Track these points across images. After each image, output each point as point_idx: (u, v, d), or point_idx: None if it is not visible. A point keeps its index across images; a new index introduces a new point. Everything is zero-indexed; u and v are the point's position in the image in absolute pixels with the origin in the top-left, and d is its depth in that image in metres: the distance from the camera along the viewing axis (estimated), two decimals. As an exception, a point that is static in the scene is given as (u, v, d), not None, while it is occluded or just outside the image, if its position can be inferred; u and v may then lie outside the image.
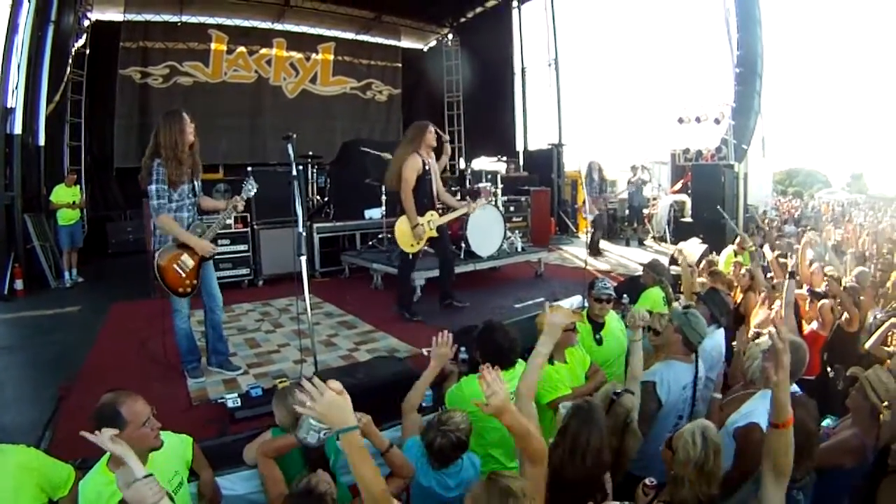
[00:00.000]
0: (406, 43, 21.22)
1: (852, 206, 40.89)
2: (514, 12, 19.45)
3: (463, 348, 5.18)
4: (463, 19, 20.49)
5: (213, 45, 16.85)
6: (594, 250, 13.25)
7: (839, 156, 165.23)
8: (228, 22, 17.27)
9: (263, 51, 17.78)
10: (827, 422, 4.38)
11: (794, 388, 3.84)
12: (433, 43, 21.72)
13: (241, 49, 17.34)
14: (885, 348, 6.05)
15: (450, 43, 20.99)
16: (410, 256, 7.66)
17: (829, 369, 6.48)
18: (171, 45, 16.25)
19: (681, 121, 16.56)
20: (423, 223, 7.38)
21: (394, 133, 19.95)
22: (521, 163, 19.49)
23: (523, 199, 14.37)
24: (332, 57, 19.13)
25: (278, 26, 18.23)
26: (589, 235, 13.72)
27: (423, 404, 4.76)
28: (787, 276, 6.39)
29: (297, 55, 18.48)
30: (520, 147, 19.82)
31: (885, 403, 3.86)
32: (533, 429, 2.84)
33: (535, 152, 19.05)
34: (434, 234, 7.65)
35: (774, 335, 2.88)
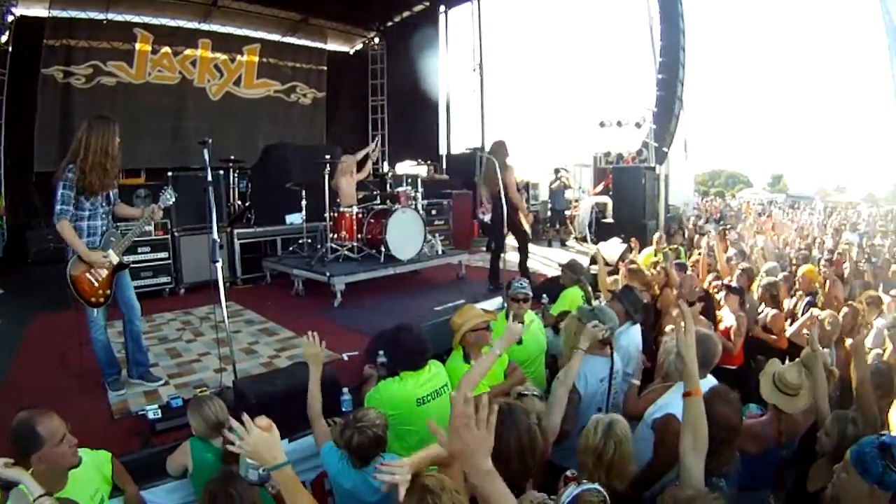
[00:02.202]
0: (332, 46, 21.01)
1: (772, 204, 42.27)
2: (441, 17, 19.53)
3: (381, 352, 5.27)
4: (390, 23, 20.47)
5: (137, 45, 16.36)
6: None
7: (760, 157, 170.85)
8: (154, 21, 16.77)
9: (188, 51, 17.37)
10: (746, 411, 4.59)
11: (712, 378, 4.15)
12: (359, 46, 21.59)
13: (166, 49, 16.89)
14: (805, 334, 6.26)
15: (376, 46, 20.93)
16: None
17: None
18: (95, 43, 15.73)
19: (602, 125, 16.71)
20: None
21: (317, 137, 19.88)
22: (444, 166, 19.55)
23: (445, 202, 14.56)
24: (257, 59, 18.80)
25: (204, 26, 17.79)
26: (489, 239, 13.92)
27: (344, 409, 4.88)
28: (683, 270, 6.69)
29: (222, 56, 18.10)
30: (443, 151, 19.93)
31: (794, 394, 4.15)
32: None
33: (458, 156, 19.07)
34: None
35: (678, 316, 3.20)
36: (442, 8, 19.43)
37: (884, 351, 5.95)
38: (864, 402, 4.17)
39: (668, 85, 15.43)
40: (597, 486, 2.74)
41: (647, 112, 15.67)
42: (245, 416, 2.41)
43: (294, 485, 2.44)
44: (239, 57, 18.50)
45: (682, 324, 3.18)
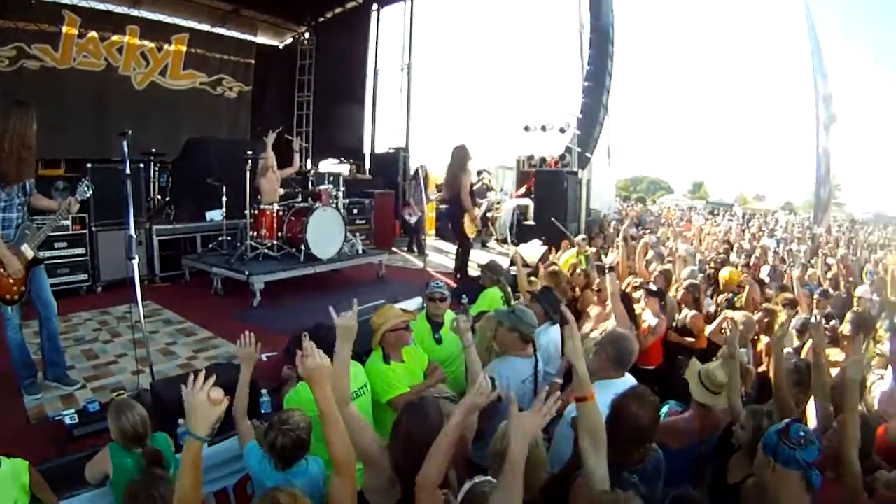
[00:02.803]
0: (262, 39, 20.54)
1: (692, 210, 43.32)
2: (373, 15, 19.44)
3: (300, 353, 5.23)
4: (322, 18, 20.17)
5: (64, 28, 15.51)
6: (421, 251, 13.62)
7: (682, 165, 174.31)
8: (84, 3, 15.93)
9: (115, 37, 16.52)
10: (666, 408, 4.74)
11: (630, 377, 4.29)
12: (289, 40, 21.17)
13: (93, 34, 16.04)
14: (722, 335, 6.51)
15: (306, 41, 20.46)
16: None
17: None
18: (21, 24, 14.82)
19: (527, 129, 16.97)
20: None
21: (241, 131, 19.43)
22: (368, 165, 19.55)
23: (367, 201, 14.55)
24: (184, 49, 18.08)
25: (134, 12, 16.98)
26: (418, 239, 14.24)
27: (263, 411, 4.83)
28: (606, 271, 6.87)
29: (149, 44, 17.31)
30: (367, 150, 19.84)
31: (718, 392, 4.33)
32: (337, 436, 2.92)
33: (381, 155, 19.10)
34: None
35: (567, 328, 3.22)
36: (375, 6, 19.34)
37: (801, 348, 6.28)
38: (781, 397, 4.38)
39: (594, 92, 15.70)
40: (489, 478, 2.85)
41: (572, 118, 16.01)
42: (203, 375, 2.52)
43: (193, 461, 2.48)
44: (166, 46, 17.78)
45: (569, 331, 3.23)
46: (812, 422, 4.26)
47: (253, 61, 19.97)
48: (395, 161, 18.13)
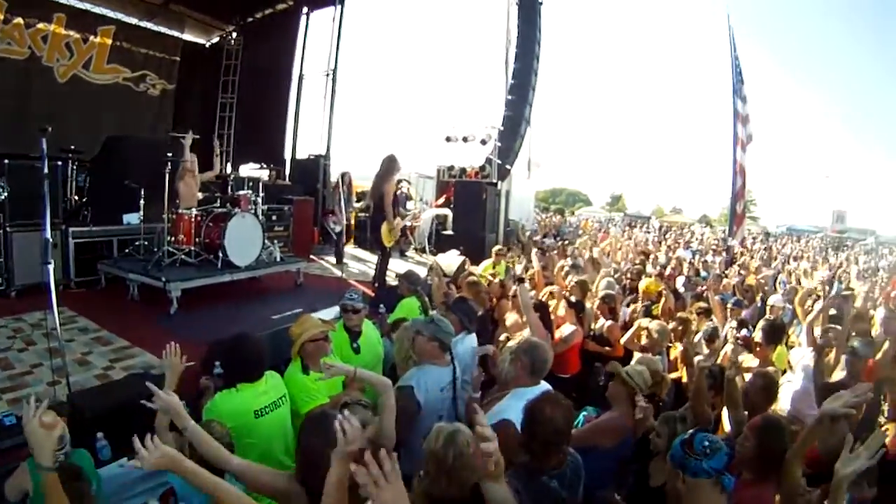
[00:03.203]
0: (189, 36, 19.97)
1: (610, 222, 44.17)
2: (303, 19, 19.30)
3: (217, 363, 5.05)
4: (250, 19, 19.89)
5: None
6: (339, 260, 13.62)
7: (601, 178, 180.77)
8: None
9: (41, 25, 15.83)
10: (583, 413, 4.86)
11: (546, 385, 4.33)
12: (216, 39, 20.75)
13: (19, 20, 15.34)
14: (638, 342, 6.75)
15: (233, 41, 20.14)
16: None
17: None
18: None
19: (448, 139, 17.03)
20: None
21: (162, 131, 18.38)
22: (288, 171, 19.26)
23: (286, 208, 14.31)
24: (110, 41, 17.39)
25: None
26: (337, 247, 14.15)
27: None
28: (517, 281, 7.03)
29: (75, 35, 16.61)
30: (288, 155, 19.59)
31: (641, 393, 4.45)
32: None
33: (302, 161, 18.88)
34: None
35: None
36: (305, 9, 19.22)
37: (715, 355, 6.48)
38: (696, 402, 4.52)
39: (517, 105, 15.99)
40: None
41: (494, 130, 16.18)
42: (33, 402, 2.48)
43: (53, 493, 2.48)
44: (92, 37, 17.06)
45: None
46: (728, 425, 4.51)
47: (178, 59, 19.47)
48: (316, 168, 17.96)
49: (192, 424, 3.24)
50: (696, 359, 5.43)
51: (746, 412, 4.36)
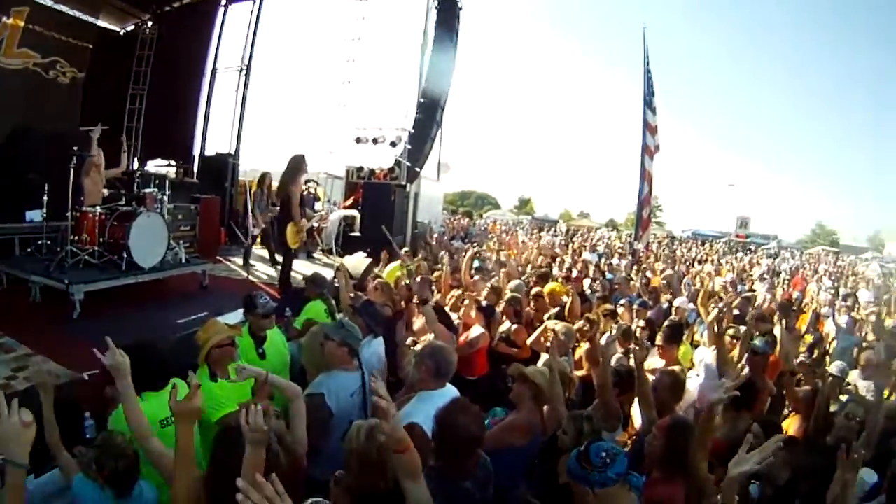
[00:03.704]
0: (104, 22, 18.61)
1: (518, 225, 44.63)
2: (220, 11, 18.76)
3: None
4: (168, 7, 18.90)
5: None
6: (246, 261, 13.36)
7: (510, 181, 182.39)
8: None
9: None
10: (491, 415, 4.91)
11: (452, 388, 4.38)
12: (131, 27, 19.54)
13: None
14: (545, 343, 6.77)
15: (148, 30, 18.96)
16: None
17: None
18: None
19: (359, 140, 16.96)
20: None
21: (70, 122, 16.68)
22: (196, 168, 18.52)
23: (193, 206, 13.77)
24: (23, 24, 16.01)
25: None
26: (245, 249, 13.80)
27: (88, 436, 4.64)
28: (421, 302, 7.09)
29: None
30: (197, 152, 18.80)
31: (542, 388, 4.49)
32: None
33: (210, 158, 18.37)
34: None
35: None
36: (223, 1, 18.73)
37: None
38: (605, 400, 4.66)
39: (429, 109, 16.03)
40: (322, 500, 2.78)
41: (404, 132, 16.19)
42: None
43: (16, 492, 2.39)
44: (5, 19, 15.47)
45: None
46: (638, 422, 4.69)
47: (90, 46, 17.94)
48: (224, 166, 17.59)
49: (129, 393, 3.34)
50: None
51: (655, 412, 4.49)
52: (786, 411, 6.24)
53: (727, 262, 24.79)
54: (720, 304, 8.23)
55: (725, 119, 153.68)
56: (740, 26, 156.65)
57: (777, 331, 8.10)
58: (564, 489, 3.37)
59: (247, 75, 18.40)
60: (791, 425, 5.56)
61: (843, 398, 6.30)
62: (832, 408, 5.65)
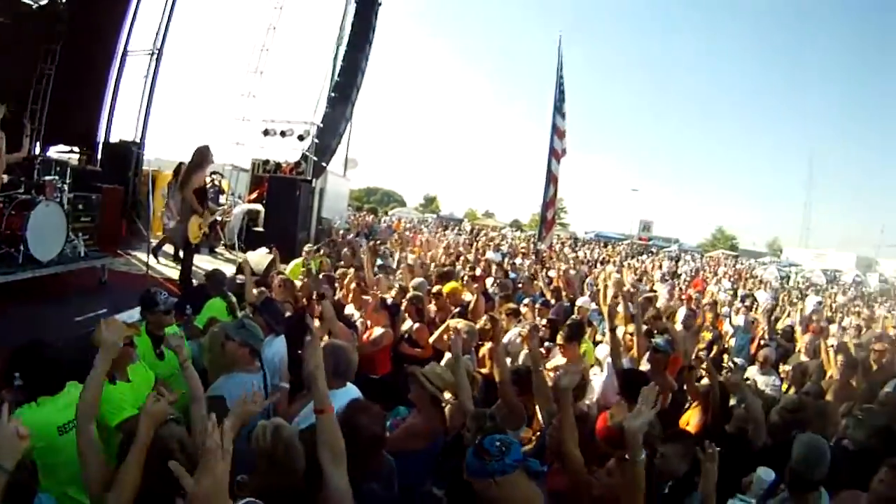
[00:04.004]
0: None
1: (423, 223, 44.87)
2: (137, -11, 17.39)
3: (17, 373, 4.33)
4: None
5: None
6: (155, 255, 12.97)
7: (416, 178, 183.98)
8: None
9: None
10: (394, 415, 4.93)
11: (352, 388, 4.43)
12: (45, 1, 18.70)
13: None
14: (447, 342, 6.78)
15: (62, 5, 17.05)
16: None
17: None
18: None
19: (266, 133, 16.73)
20: None
21: None
22: (100, 156, 17.40)
23: (94, 196, 12.74)
24: None
25: None
26: (155, 242, 13.39)
27: None
28: (319, 297, 7.04)
29: None
30: (101, 138, 17.59)
31: (445, 392, 4.56)
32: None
33: (115, 146, 17.22)
34: None
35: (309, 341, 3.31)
36: (141, -21, 17.41)
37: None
38: (507, 399, 4.71)
39: (339, 104, 15.97)
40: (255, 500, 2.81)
41: (313, 126, 16.13)
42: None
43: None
44: None
45: (312, 343, 3.31)
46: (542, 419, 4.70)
47: (3, 19, 17.42)
48: (128, 154, 16.52)
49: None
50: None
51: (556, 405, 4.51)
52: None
53: (629, 265, 25.38)
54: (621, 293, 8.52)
55: (631, 125, 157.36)
56: (648, 34, 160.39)
57: (680, 326, 8.65)
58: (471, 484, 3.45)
59: (158, 59, 17.45)
60: (691, 417, 5.79)
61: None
62: (731, 401, 5.89)
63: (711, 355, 9.14)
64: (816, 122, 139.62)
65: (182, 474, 2.21)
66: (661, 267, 27.38)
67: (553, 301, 10.36)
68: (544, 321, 8.28)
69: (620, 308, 8.40)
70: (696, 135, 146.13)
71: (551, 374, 5.65)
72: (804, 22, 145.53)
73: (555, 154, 17.94)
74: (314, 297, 7.63)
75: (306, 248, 11.77)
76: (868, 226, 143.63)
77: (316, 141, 16.22)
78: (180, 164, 13.58)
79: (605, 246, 42.84)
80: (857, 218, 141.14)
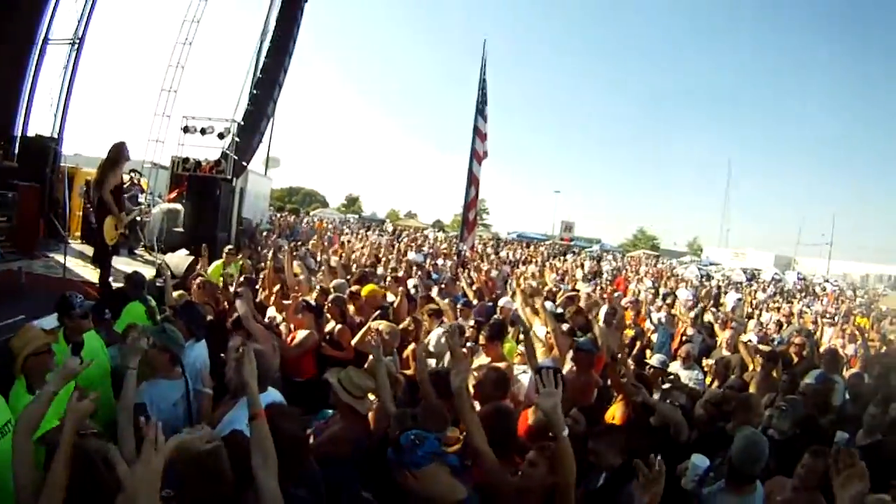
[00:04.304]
0: None
1: (345, 224, 44.97)
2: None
3: None
4: None
5: None
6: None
7: (338, 178, 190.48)
8: None
9: None
10: (320, 417, 4.94)
11: (274, 391, 4.40)
12: None
13: None
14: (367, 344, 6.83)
15: None
16: None
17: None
18: None
19: (186, 130, 16.31)
20: None
21: None
22: (16, 152, 15.83)
23: (10, 194, 12.34)
24: None
25: None
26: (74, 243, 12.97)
27: None
28: (235, 295, 6.99)
29: None
30: (18, 132, 17.19)
31: (362, 396, 4.54)
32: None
33: (31, 140, 16.03)
34: None
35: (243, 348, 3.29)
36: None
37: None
38: (427, 399, 4.75)
39: (261, 102, 15.78)
40: None
41: (233, 124, 15.77)
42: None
43: None
44: None
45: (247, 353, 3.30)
46: None
47: None
48: (45, 150, 15.51)
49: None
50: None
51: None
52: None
53: (551, 265, 25.71)
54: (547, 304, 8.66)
55: (554, 128, 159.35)
56: (568, 38, 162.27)
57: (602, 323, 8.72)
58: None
59: (79, 49, 16.55)
60: (616, 411, 5.89)
61: (665, 386, 6.74)
62: (655, 395, 6.08)
63: (634, 351, 9.37)
64: (735, 126, 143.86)
65: (118, 460, 2.23)
66: (582, 267, 27.77)
67: (476, 301, 10.41)
68: (471, 322, 8.36)
69: (539, 306, 8.57)
70: (617, 138, 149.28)
71: (475, 374, 5.69)
72: (723, 27, 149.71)
73: (476, 156, 18.07)
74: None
75: (226, 249, 11.60)
76: (787, 226, 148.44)
77: (237, 139, 15.85)
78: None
79: (528, 246, 43.27)
80: (776, 219, 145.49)
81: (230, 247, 12.01)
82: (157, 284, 8.25)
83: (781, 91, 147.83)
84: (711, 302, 18.55)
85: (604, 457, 4.20)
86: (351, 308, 8.47)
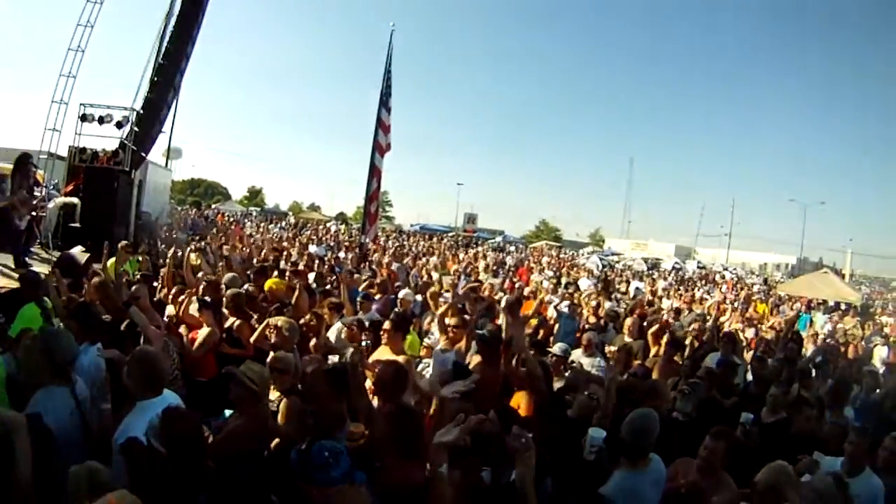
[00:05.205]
0: None
1: (247, 217, 44.63)
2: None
3: None
4: None
5: None
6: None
7: (241, 170, 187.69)
8: None
9: None
10: (221, 417, 4.87)
11: (170, 394, 4.27)
12: None
13: None
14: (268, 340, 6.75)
15: None
16: None
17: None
18: None
19: (84, 118, 15.70)
20: None
21: None
22: None
23: None
24: None
25: None
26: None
27: None
28: (131, 299, 6.83)
29: None
30: None
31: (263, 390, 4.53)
32: None
33: None
34: None
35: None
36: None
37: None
38: (325, 397, 4.60)
39: (163, 89, 15.39)
40: None
41: (132, 113, 15.36)
42: None
43: None
44: None
45: None
46: None
47: None
48: None
49: None
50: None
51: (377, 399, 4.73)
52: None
53: (453, 255, 25.90)
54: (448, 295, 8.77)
55: (456, 121, 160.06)
56: (473, 28, 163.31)
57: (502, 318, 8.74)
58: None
59: None
60: (520, 400, 5.98)
61: (567, 374, 6.98)
62: (558, 383, 6.40)
63: (538, 339, 9.52)
64: (637, 123, 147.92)
65: None
66: (485, 258, 28.00)
67: (379, 295, 10.42)
68: (375, 316, 8.36)
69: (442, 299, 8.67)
70: (521, 130, 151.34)
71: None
72: (625, 27, 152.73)
73: (378, 148, 18.08)
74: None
75: (121, 244, 10.81)
76: (686, 217, 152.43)
77: (136, 129, 15.41)
78: (24, 154, 12.73)
79: (430, 238, 43.51)
80: (676, 210, 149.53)
81: (125, 242, 11.28)
82: (53, 284, 7.93)
83: (680, 84, 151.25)
84: (601, 286, 18.87)
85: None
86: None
